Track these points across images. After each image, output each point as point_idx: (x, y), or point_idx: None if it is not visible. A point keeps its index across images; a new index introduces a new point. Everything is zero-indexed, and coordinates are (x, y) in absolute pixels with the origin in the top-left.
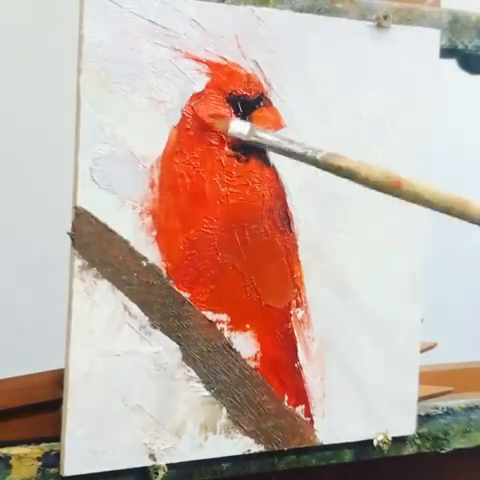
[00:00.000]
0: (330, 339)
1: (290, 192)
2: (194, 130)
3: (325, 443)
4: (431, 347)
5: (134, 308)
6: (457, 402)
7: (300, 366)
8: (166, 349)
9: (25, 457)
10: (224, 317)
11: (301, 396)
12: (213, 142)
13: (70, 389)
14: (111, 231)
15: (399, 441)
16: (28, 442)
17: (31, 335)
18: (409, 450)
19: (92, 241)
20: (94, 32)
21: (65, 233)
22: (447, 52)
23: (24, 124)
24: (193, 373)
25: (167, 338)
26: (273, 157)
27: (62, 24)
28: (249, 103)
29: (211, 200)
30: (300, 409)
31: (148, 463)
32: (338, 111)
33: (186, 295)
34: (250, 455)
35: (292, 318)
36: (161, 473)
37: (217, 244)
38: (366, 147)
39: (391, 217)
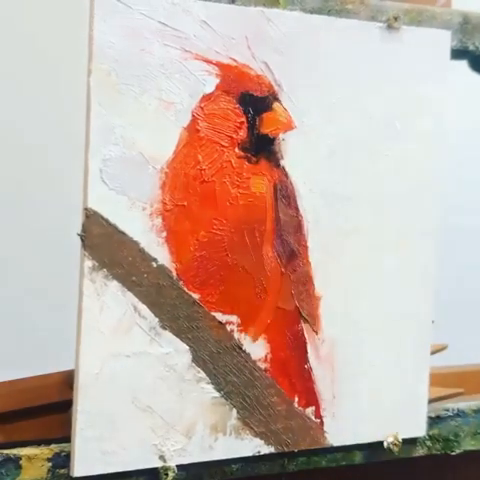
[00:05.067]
0: (340, 341)
1: (300, 193)
2: (204, 131)
3: (335, 445)
4: (442, 349)
5: (144, 309)
6: (468, 404)
7: (310, 367)
8: (176, 350)
9: (35, 458)
10: (234, 318)
11: (311, 398)
12: (223, 143)
13: (80, 390)
14: (121, 232)
15: (409, 443)
16: (38, 443)
17: (41, 336)
18: (419, 452)
19: (102, 242)
20: (104, 33)
21: (75, 234)
22: (458, 53)
23: (34, 125)
24: (203, 374)
25: (177, 339)
26: (283, 159)
27: (73, 25)
28: (259, 104)
29: (221, 201)
30: (310, 410)
31: (158, 464)
32: (348, 112)
33: (196, 296)
34: (260, 456)
35: (302, 319)
36: (171, 474)
37: (227, 245)
38: (376, 148)
39: (402, 218)
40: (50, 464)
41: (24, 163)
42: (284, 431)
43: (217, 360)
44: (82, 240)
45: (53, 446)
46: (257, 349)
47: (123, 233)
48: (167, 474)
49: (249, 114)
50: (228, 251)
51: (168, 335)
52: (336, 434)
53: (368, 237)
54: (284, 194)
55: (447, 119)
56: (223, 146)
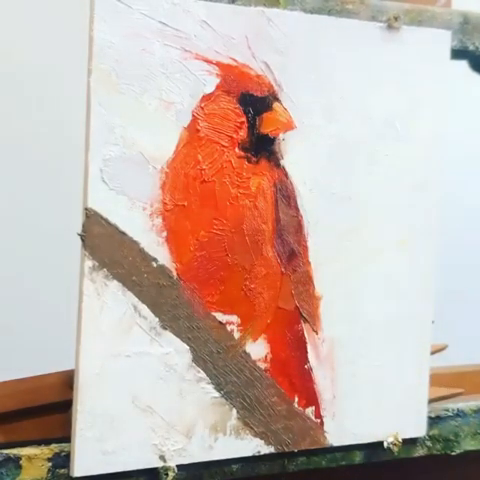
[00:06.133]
0: (340, 341)
1: (300, 193)
2: (204, 131)
3: (335, 445)
4: (441, 349)
5: (144, 309)
6: (468, 404)
7: (310, 367)
8: (176, 350)
9: (35, 458)
10: (234, 318)
11: (311, 398)
12: (223, 143)
13: (80, 390)
14: (121, 232)
15: (409, 443)
16: (38, 443)
17: (41, 336)
18: (419, 452)
19: (102, 242)
20: (104, 33)
21: (75, 234)
22: (458, 53)
23: (34, 125)
24: (203, 374)
25: (177, 339)
26: (283, 159)
27: (73, 25)
28: (259, 104)
29: (221, 201)
30: (310, 411)
31: (158, 464)
32: (348, 112)
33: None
34: (260, 456)
35: (302, 319)
36: (171, 474)
37: (227, 245)
38: (376, 148)
39: (402, 218)
40: (50, 464)
41: (24, 163)
42: (284, 431)
43: (217, 360)
44: (82, 240)
45: (53, 446)
46: (257, 349)
47: (123, 233)
48: (167, 474)
49: (249, 114)
50: (228, 251)
51: (168, 335)
52: (336, 434)
53: (368, 237)
54: (284, 194)
55: (447, 119)
56: (223, 146)
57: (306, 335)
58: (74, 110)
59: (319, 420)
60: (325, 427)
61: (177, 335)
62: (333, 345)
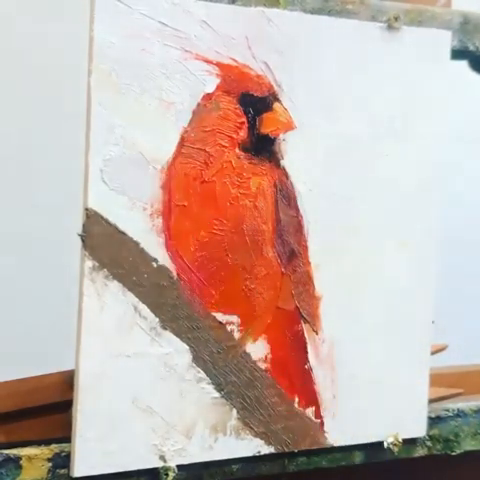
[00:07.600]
0: (340, 341)
1: (300, 193)
2: (204, 131)
3: (335, 445)
4: (442, 349)
5: (144, 309)
6: (468, 404)
7: (310, 368)
8: (176, 350)
9: (35, 458)
10: (234, 318)
11: (311, 398)
12: (223, 143)
13: (80, 390)
14: (121, 232)
15: (410, 443)
16: (38, 443)
17: (41, 336)
18: (420, 452)
19: (103, 242)
20: (104, 34)
21: (76, 234)
22: (458, 53)
23: (35, 125)
24: (203, 374)
25: (177, 339)
26: (283, 159)
27: (73, 25)
28: (259, 104)
29: (221, 201)
30: (310, 411)
31: (158, 464)
32: (348, 112)
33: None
34: (260, 456)
35: (302, 319)
36: (171, 474)
37: (227, 245)
38: (376, 148)
39: (402, 218)
40: (50, 464)
41: (24, 163)
42: (284, 431)
43: (217, 360)
44: (82, 240)
45: (53, 446)
46: (257, 349)
47: (123, 233)
48: (167, 474)
49: (249, 114)
50: (228, 251)
51: (168, 335)
52: (336, 434)
53: (368, 237)
54: (284, 194)
55: (447, 119)
56: (223, 146)
57: (306, 335)
58: (74, 110)
59: (319, 420)
60: (325, 427)
61: (177, 335)
62: (333, 345)
